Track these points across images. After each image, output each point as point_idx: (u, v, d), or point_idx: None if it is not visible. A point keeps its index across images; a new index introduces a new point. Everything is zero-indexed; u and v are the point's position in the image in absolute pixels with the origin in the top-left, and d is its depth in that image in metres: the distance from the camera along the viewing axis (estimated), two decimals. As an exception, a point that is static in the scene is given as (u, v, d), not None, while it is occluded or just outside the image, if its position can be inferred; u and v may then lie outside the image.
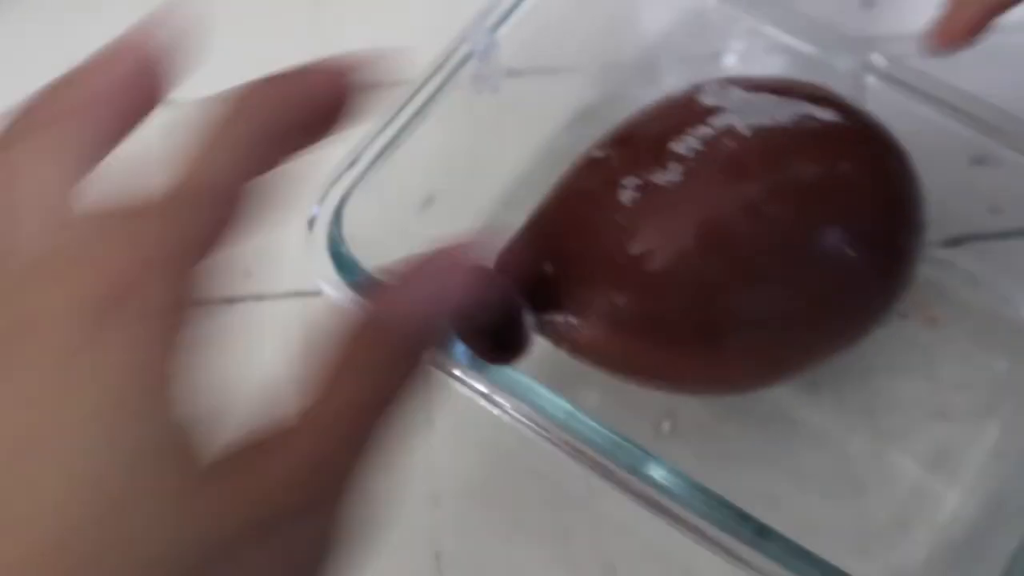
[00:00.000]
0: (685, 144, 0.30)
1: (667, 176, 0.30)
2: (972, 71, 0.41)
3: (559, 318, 0.31)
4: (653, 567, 0.33)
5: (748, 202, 0.30)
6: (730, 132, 0.30)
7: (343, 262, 0.32)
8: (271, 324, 0.38)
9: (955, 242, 0.37)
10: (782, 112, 0.31)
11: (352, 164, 0.33)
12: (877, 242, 0.31)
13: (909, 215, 0.32)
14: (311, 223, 0.32)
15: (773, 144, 0.30)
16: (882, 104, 0.34)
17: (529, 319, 0.30)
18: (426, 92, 0.34)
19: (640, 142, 0.32)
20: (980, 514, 0.32)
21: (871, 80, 0.35)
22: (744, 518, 0.27)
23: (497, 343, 0.30)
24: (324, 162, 0.32)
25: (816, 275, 0.30)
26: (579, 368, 0.33)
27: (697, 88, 0.32)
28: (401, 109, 0.34)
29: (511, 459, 0.35)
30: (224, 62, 0.41)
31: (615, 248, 0.30)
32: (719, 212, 0.30)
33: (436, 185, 0.36)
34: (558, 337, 0.31)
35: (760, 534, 0.27)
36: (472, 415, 0.32)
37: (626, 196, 0.30)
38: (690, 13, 0.41)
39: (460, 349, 0.30)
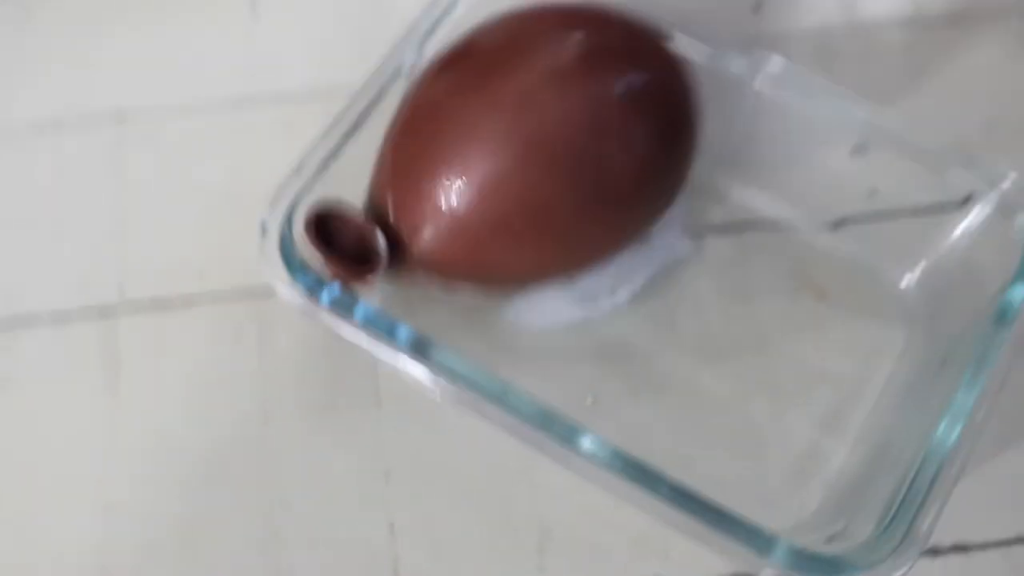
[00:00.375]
0: (506, 61, 0.36)
1: (491, 91, 0.35)
2: (850, 68, 0.45)
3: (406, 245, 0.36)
4: (585, 528, 0.37)
5: (556, 111, 0.35)
6: (540, 51, 0.36)
7: (294, 265, 0.35)
8: (227, 322, 0.41)
9: (839, 223, 0.42)
10: (584, 33, 0.36)
11: (299, 171, 0.36)
12: (653, 159, 0.37)
13: (687, 124, 0.37)
14: (263, 228, 0.35)
15: (573, 62, 0.35)
16: (772, 101, 0.39)
17: (382, 242, 0.36)
18: (364, 100, 0.37)
19: (468, 59, 0.37)
20: (862, 466, 0.37)
21: (761, 80, 0.39)
22: (660, 479, 0.31)
23: (355, 264, 0.35)
24: (272, 170, 0.36)
25: (602, 176, 0.35)
26: (514, 355, 0.38)
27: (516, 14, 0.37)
28: (340, 120, 0.37)
29: (453, 435, 0.38)
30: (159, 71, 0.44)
31: (452, 160, 0.35)
32: (533, 122, 0.35)
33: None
34: (409, 259, 0.36)
35: (675, 492, 0.31)
36: (416, 395, 0.35)
37: (455, 114, 0.35)
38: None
39: (402, 334, 0.34)
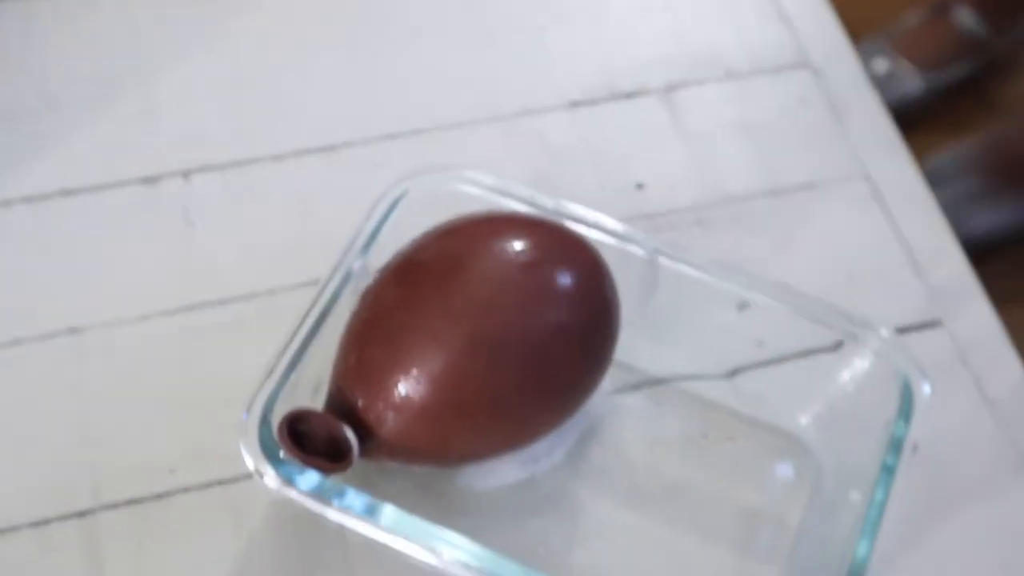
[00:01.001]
0: (452, 270, 0.41)
1: (435, 302, 0.40)
2: (726, 235, 0.52)
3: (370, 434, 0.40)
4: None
5: (501, 312, 0.40)
6: (481, 260, 0.41)
7: (274, 457, 0.39)
8: (201, 512, 0.44)
9: (734, 372, 0.48)
10: (516, 240, 0.42)
11: (269, 375, 0.40)
12: (585, 338, 0.42)
13: (611, 308, 0.43)
14: (243, 429, 0.39)
15: (512, 268, 0.41)
16: (669, 272, 0.45)
17: (351, 437, 0.40)
18: (322, 302, 0.42)
19: (417, 269, 0.42)
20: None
21: (663, 258, 0.45)
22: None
23: (329, 459, 0.39)
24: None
25: (545, 366, 0.41)
26: (469, 516, 0.42)
27: (454, 225, 0.43)
28: (307, 319, 0.42)
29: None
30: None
31: (412, 360, 0.40)
32: (482, 322, 0.40)
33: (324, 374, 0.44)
34: (376, 450, 0.40)
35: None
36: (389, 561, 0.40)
37: (411, 319, 0.40)
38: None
39: (382, 510, 0.38)
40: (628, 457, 0.46)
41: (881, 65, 1.51)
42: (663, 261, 0.45)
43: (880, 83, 1.51)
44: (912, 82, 1.52)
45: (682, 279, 0.45)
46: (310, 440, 0.40)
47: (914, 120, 1.50)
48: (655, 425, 0.47)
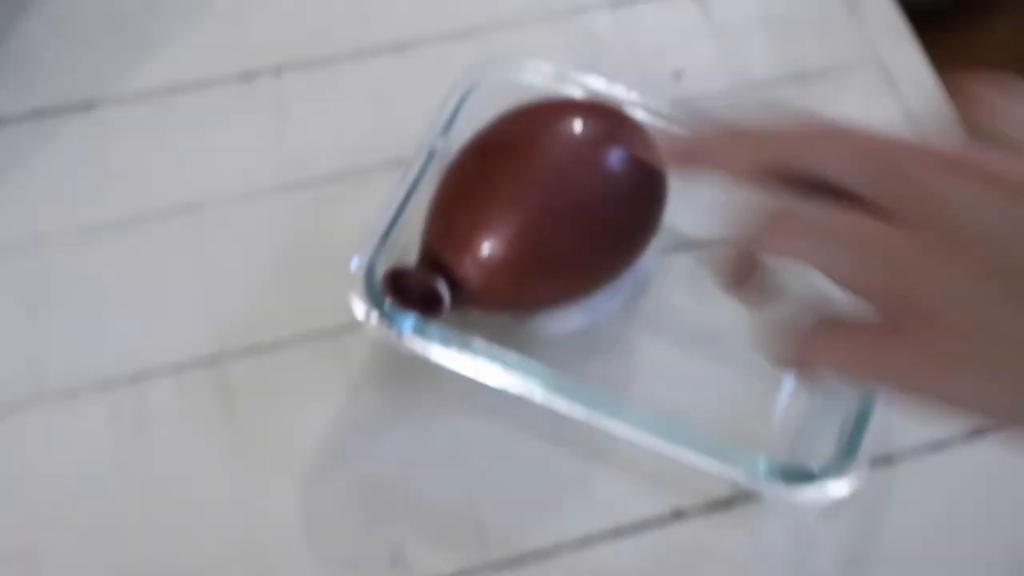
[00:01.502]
0: (526, 145, 0.48)
1: (511, 175, 0.48)
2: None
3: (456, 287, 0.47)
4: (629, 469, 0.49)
5: (569, 181, 0.48)
6: (551, 137, 0.49)
7: (379, 304, 0.47)
8: (309, 356, 0.52)
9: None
10: (580, 123, 0.49)
11: (371, 235, 0.48)
12: (637, 205, 0.50)
13: (660, 181, 0.50)
14: (351, 280, 0.47)
15: (579, 143, 0.48)
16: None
17: (444, 289, 0.47)
18: (411, 177, 0.49)
19: (495, 144, 0.49)
20: (817, 407, 0.50)
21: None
22: (684, 425, 0.44)
23: (427, 305, 0.47)
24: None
25: (603, 227, 0.48)
26: (541, 356, 0.50)
27: (524, 108, 0.50)
28: (399, 190, 0.49)
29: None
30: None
31: (492, 222, 0.47)
32: (552, 190, 0.47)
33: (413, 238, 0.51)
34: (462, 300, 0.48)
35: (692, 433, 0.44)
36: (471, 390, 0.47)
37: (491, 186, 0.48)
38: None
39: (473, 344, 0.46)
40: (674, 306, 0.53)
41: None
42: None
43: None
44: None
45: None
46: (409, 292, 0.47)
47: (935, 16, 1.58)
48: (696, 280, 0.54)
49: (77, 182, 0.56)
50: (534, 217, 0.47)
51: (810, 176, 0.34)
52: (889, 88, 0.60)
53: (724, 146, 0.37)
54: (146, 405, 0.50)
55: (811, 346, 0.35)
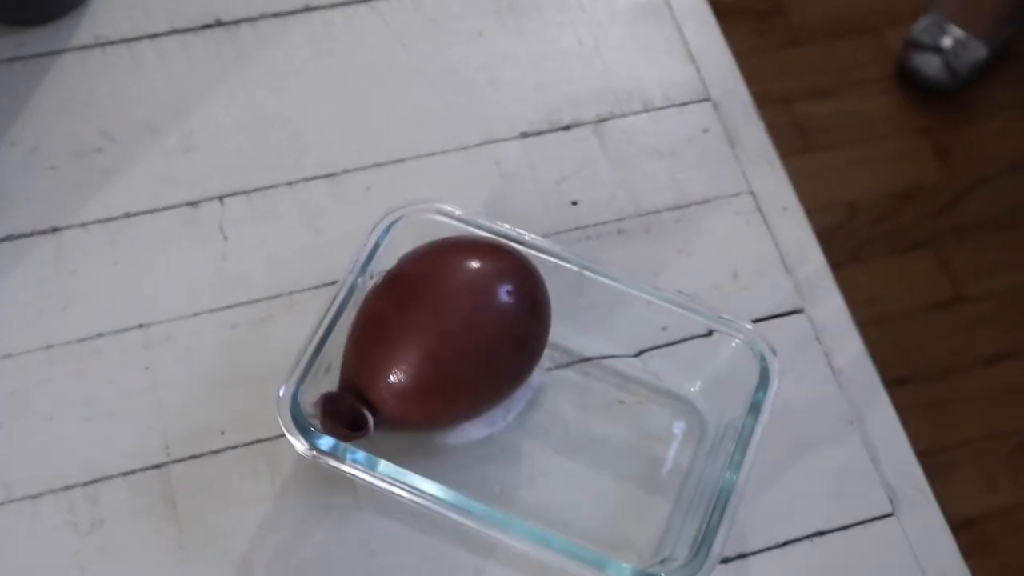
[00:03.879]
0: (429, 282, 0.56)
1: (416, 309, 0.56)
2: (642, 245, 0.67)
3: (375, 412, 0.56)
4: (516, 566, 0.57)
5: (468, 313, 0.56)
6: (451, 273, 0.57)
7: (303, 427, 0.54)
8: (244, 463, 0.60)
9: (642, 352, 0.63)
10: (477, 259, 0.57)
11: (296, 366, 0.56)
12: (525, 333, 0.58)
13: (545, 309, 0.59)
14: (279, 401, 0.55)
15: (475, 279, 0.57)
16: (593, 281, 0.60)
17: (369, 415, 0.55)
18: (333, 310, 0.57)
19: (402, 281, 0.57)
20: (680, 512, 0.58)
21: (587, 272, 0.60)
22: (551, 536, 0.52)
23: (350, 429, 0.55)
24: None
25: (496, 352, 0.57)
26: (446, 464, 0.58)
27: (427, 248, 0.59)
28: (323, 322, 0.57)
29: (408, 519, 0.58)
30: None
31: (401, 354, 0.55)
32: (454, 321, 0.56)
33: (334, 358, 0.59)
34: (378, 424, 0.56)
35: (564, 543, 0.52)
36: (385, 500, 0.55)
37: (389, 322, 0.56)
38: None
39: (378, 466, 0.54)
40: (562, 417, 0.62)
41: (946, 41, 1.74)
42: (588, 274, 0.60)
43: (949, 55, 1.75)
44: (978, 49, 1.75)
45: (603, 286, 0.60)
46: (339, 415, 0.55)
47: (985, 80, 1.75)
48: (583, 393, 0.62)
49: (43, 302, 0.63)
50: (435, 346, 0.55)
51: None
52: (759, 215, 0.69)
53: None
54: (99, 507, 0.58)
55: None
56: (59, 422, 0.60)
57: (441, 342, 0.55)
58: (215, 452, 0.60)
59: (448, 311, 0.56)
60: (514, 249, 0.59)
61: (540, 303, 0.58)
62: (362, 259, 0.59)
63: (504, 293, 0.57)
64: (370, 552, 0.58)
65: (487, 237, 0.60)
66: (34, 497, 0.58)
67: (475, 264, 0.57)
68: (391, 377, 0.55)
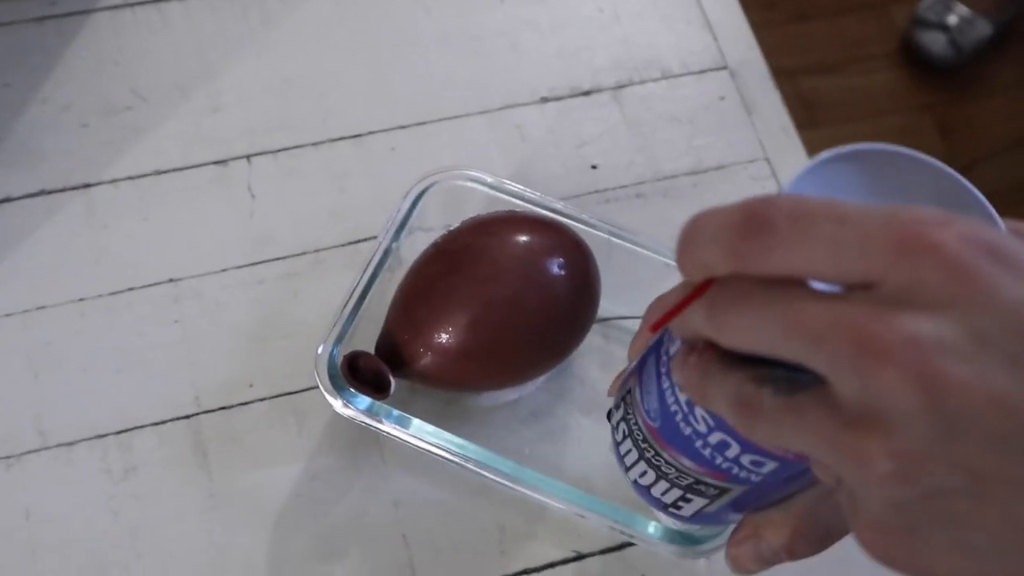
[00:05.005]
0: (476, 253, 0.58)
1: (465, 274, 0.57)
2: (659, 208, 0.68)
3: (411, 366, 0.57)
4: (531, 524, 0.59)
5: (512, 284, 0.57)
6: (498, 243, 0.58)
7: (339, 385, 0.56)
8: (272, 416, 0.61)
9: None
10: (523, 232, 0.59)
11: (334, 324, 0.57)
12: (574, 304, 0.59)
13: (591, 289, 0.60)
14: (317, 359, 0.56)
15: (521, 251, 0.58)
16: (618, 247, 0.61)
17: (390, 375, 0.56)
18: (368, 274, 0.59)
19: (451, 251, 0.59)
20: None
21: (614, 238, 0.62)
22: (574, 491, 0.54)
23: (374, 388, 0.56)
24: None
25: (545, 324, 0.58)
26: (478, 426, 0.59)
27: (478, 220, 0.60)
28: (359, 284, 0.58)
29: (438, 475, 0.60)
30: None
31: (444, 316, 0.57)
32: (496, 291, 0.57)
33: (365, 320, 0.60)
34: (414, 376, 0.58)
35: (590, 499, 0.54)
36: (409, 455, 0.57)
37: (444, 287, 0.57)
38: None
39: (406, 422, 0.55)
40: (588, 379, 0.63)
41: (952, 18, 1.76)
42: (616, 240, 0.62)
43: (954, 33, 1.77)
44: (983, 27, 1.77)
45: (627, 251, 0.62)
46: (362, 373, 0.56)
47: (989, 58, 1.77)
48: (606, 355, 0.64)
49: (75, 256, 0.65)
50: (479, 313, 0.57)
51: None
52: (774, 181, 0.71)
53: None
54: (132, 455, 0.60)
55: None
56: (91, 373, 0.62)
57: (487, 310, 0.57)
58: (244, 404, 0.62)
59: (498, 281, 0.57)
60: (566, 226, 0.61)
61: (590, 282, 0.60)
62: (396, 224, 0.61)
63: (555, 267, 0.58)
64: (397, 506, 0.59)
65: (540, 213, 0.62)
66: (69, 444, 0.60)
67: (528, 238, 0.59)
68: (434, 336, 0.57)
